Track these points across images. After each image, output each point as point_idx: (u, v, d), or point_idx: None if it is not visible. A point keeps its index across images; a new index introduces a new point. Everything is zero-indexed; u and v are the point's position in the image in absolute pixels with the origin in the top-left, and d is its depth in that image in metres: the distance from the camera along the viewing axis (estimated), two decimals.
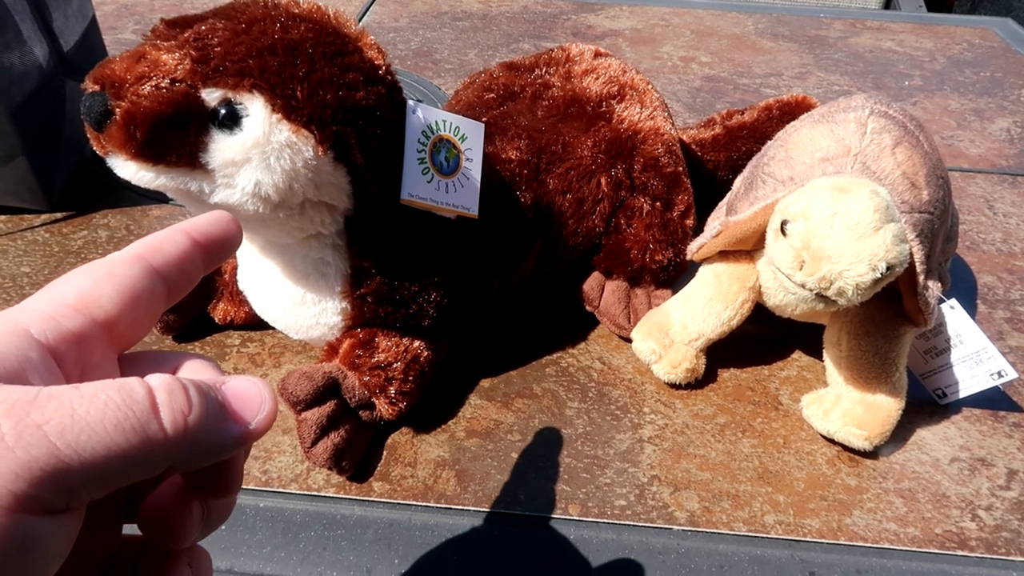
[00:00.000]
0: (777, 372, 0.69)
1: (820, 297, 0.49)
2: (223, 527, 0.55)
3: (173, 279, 0.28)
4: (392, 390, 0.58)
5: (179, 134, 0.46)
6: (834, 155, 0.58)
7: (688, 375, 0.65)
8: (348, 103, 0.49)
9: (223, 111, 0.47)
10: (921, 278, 0.55)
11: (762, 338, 0.72)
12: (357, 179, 0.52)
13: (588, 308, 0.72)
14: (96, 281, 0.26)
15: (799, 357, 0.71)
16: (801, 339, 0.72)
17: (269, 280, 0.59)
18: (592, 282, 0.72)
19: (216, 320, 0.69)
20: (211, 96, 0.46)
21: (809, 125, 0.62)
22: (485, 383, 0.66)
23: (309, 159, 0.48)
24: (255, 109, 0.47)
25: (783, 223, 0.49)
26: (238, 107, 0.47)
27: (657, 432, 0.63)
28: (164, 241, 0.29)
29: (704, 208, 0.75)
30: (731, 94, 1.19)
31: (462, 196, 0.58)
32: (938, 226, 0.61)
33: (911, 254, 0.54)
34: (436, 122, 0.57)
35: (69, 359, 0.25)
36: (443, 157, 0.57)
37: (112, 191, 0.88)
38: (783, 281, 0.51)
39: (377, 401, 0.58)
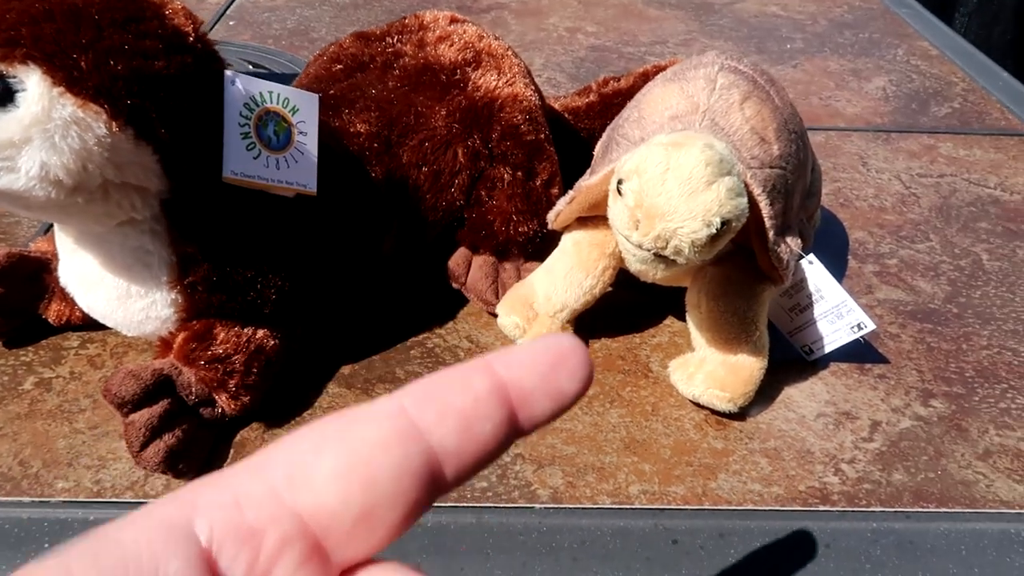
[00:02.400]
0: (649, 339, 0.68)
1: (659, 257, 0.47)
2: (47, 544, 0.51)
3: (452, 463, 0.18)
4: (233, 384, 0.54)
5: None
6: (683, 112, 0.57)
7: None
8: (144, 73, 0.44)
9: None
10: (771, 233, 0.54)
11: (635, 305, 0.71)
12: (166, 157, 0.47)
13: (455, 285, 0.69)
14: (350, 467, 0.17)
15: (671, 323, 0.70)
16: (672, 304, 0.70)
17: (90, 273, 0.54)
18: (458, 258, 0.69)
19: (51, 321, 0.63)
20: None
21: (661, 84, 0.61)
22: (345, 370, 0.63)
23: (102, 136, 0.44)
24: (32, 82, 0.42)
25: (619, 182, 0.48)
26: (11, 80, 0.42)
27: None
28: (452, 391, 0.18)
29: (577, 178, 0.73)
30: (615, 63, 1.17)
31: (297, 172, 0.55)
32: (792, 181, 0.60)
33: (758, 209, 0.53)
34: (261, 94, 0.53)
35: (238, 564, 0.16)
36: (271, 131, 0.53)
37: None
38: (623, 243, 0.49)
39: (217, 397, 0.54)
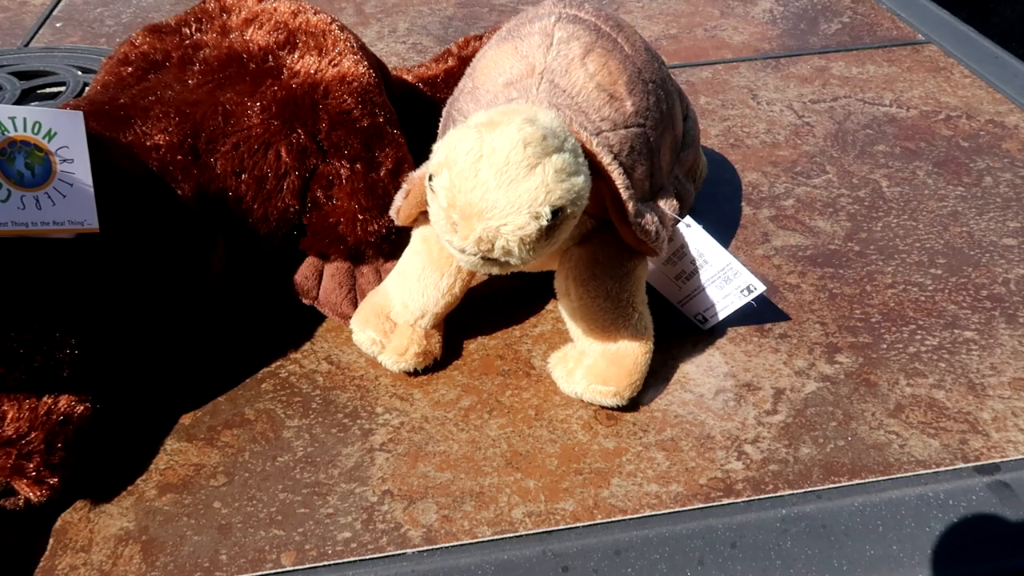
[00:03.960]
0: (530, 330, 0.61)
1: (489, 260, 0.40)
2: None
3: None
4: (32, 467, 0.46)
5: None
6: (518, 76, 0.49)
7: (420, 359, 0.56)
8: None
9: None
10: (631, 205, 0.47)
11: (512, 292, 0.64)
12: None
13: (306, 301, 0.61)
14: None
15: (553, 307, 0.63)
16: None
17: None
18: (306, 271, 0.61)
19: None
20: None
21: (495, 45, 0.53)
22: (186, 419, 0.55)
23: None
24: None
25: (430, 179, 0.40)
26: None
27: (391, 435, 0.53)
28: None
29: None
30: (486, 18, 1.08)
31: (67, 209, 0.46)
32: (655, 138, 0.53)
33: (611, 180, 0.46)
34: (2, 122, 0.43)
35: None
36: (21, 164, 0.44)
37: None
38: (446, 247, 0.42)
39: (16, 484, 0.46)
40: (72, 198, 0.46)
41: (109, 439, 0.52)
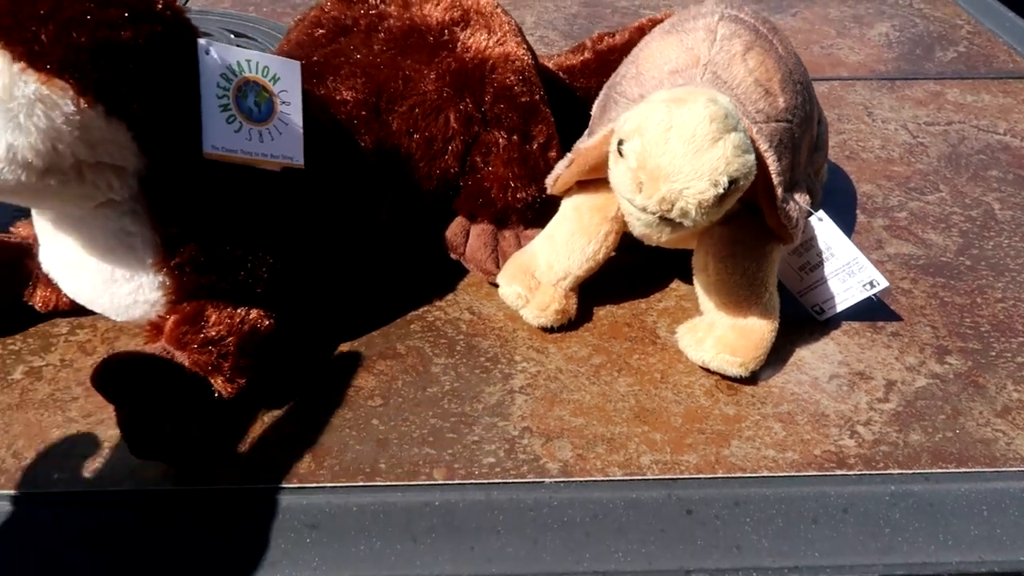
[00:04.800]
0: (655, 304, 0.66)
1: (665, 220, 0.45)
2: (46, 538, 0.49)
3: None
4: (227, 366, 0.53)
5: None
6: (683, 66, 0.54)
7: (558, 317, 0.61)
8: (111, 44, 0.42)
9: None
10: (779, 191, 0.52)
11: (639, 269, 0.69)
12: (141, 133, 0.45)
13: (454, 256, 0.67)
14: None
15: (678, 286, 0.68)
16: (680, 267, 0.68)
17: (72, 258, 0.52)
18: (456, 228, 0.67)
19: (37, 308, 0.61)
20: None
21: (659, 37, 0.58)
22: (344, 347, 0.61)
23: (70, 114, 0.41)
24: None
25: (619, 143, 0.45)
26: None
27: (529, 381, 0.59)
28: None
29: (575, 140, 0.70)
30: (609, 18, 1.13)
31: (282, 145, 0.52)
32: (799, 135, 0.57)
33: (765, 166, 0.51)
34: (239, 63, 0.50)
35: None
36: (252, 102, 0.51)
37: None
38: (625, 207, 0.47)
39: (212, 380, 0.53)
40: (286, 136, 0.52)
41: (281, 354, 0.59)
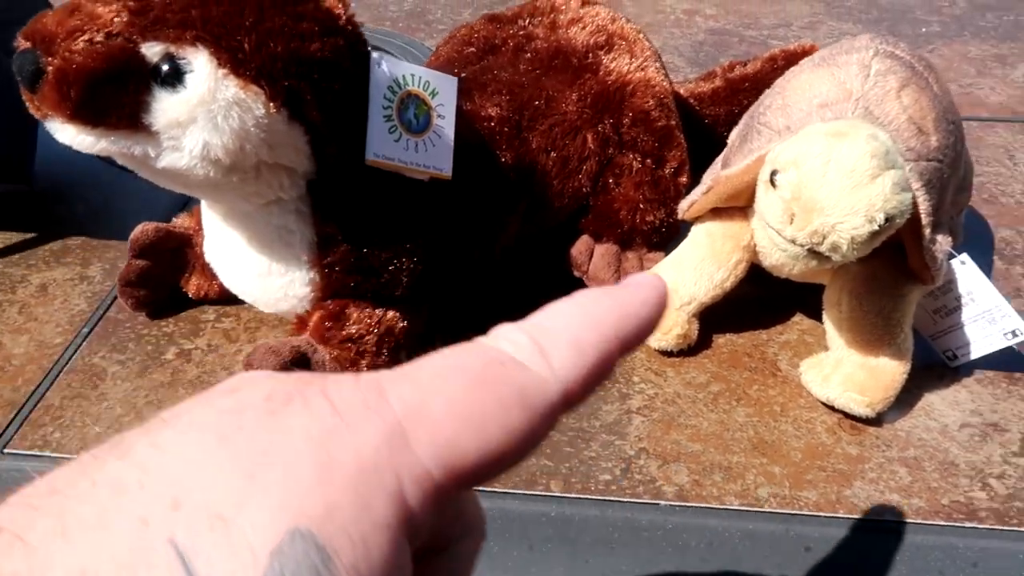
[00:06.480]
0: (776, 336, 0.66)
1: (812, 253, 0.45)
2: None
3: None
4: (365, 364, 0.56)
5: (118, 93, 0.43)
6: (834, 100, 0.54)
7: (680, 341, 0.61)
8: (301, 55, 0.45)
9: (165, 67, 0.43)
10: (927, 231, 0.51)
11: (761, 300, 0.68)
12: (316, 138, 0.48)
13: (576, 273, 0.69)
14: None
15: (800, 320, 0.67)
16: (803, 301, 0.68)
17: (234, 250, 0.56)
18: (580, 246, 0.68)
19: (190, 295, 0.66)
20: (151, 51, 0.43)
21: (809, 69, 0.58)
22: None
23: (260, 117, 0.45)
24: (199, 64, 0.43)
25: (773, 173, 0.45)
26: (181, 62, 0.43)
27: (646, 402, 0.59)
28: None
29: (702, 166, 0.70)
30: (736, 47, 1.13)
31: (434, 156, 0.55)
32: (948, 175, 0.56)
33: (915, 204, 0.50)
34: (404, 76, 0.53)
35: None
36: (412, 114, 0.53)
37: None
38: (772, 237, 0.47)
39: None
40: (438, 148, 0.55)
41: (410, 357, 0.61)
